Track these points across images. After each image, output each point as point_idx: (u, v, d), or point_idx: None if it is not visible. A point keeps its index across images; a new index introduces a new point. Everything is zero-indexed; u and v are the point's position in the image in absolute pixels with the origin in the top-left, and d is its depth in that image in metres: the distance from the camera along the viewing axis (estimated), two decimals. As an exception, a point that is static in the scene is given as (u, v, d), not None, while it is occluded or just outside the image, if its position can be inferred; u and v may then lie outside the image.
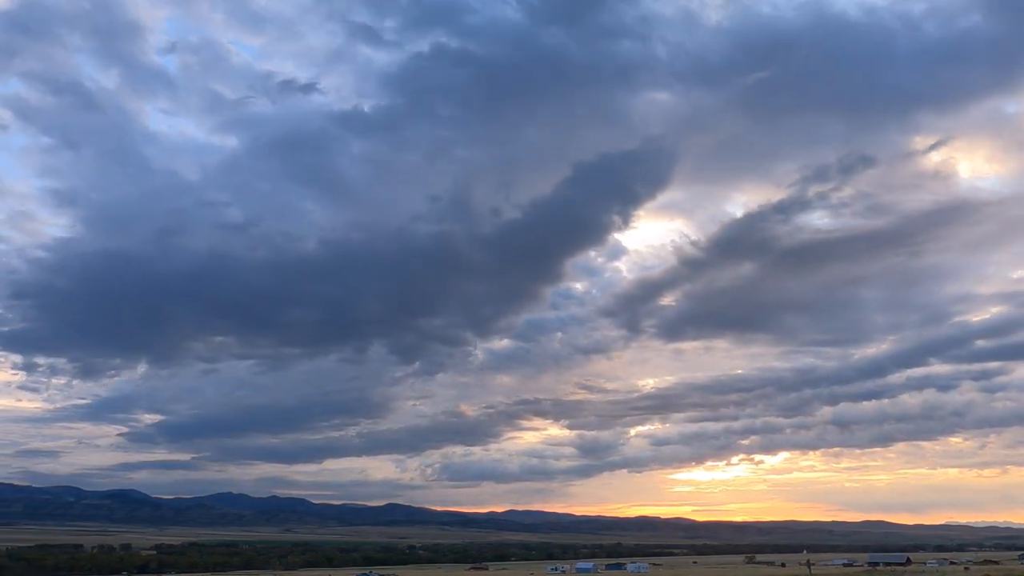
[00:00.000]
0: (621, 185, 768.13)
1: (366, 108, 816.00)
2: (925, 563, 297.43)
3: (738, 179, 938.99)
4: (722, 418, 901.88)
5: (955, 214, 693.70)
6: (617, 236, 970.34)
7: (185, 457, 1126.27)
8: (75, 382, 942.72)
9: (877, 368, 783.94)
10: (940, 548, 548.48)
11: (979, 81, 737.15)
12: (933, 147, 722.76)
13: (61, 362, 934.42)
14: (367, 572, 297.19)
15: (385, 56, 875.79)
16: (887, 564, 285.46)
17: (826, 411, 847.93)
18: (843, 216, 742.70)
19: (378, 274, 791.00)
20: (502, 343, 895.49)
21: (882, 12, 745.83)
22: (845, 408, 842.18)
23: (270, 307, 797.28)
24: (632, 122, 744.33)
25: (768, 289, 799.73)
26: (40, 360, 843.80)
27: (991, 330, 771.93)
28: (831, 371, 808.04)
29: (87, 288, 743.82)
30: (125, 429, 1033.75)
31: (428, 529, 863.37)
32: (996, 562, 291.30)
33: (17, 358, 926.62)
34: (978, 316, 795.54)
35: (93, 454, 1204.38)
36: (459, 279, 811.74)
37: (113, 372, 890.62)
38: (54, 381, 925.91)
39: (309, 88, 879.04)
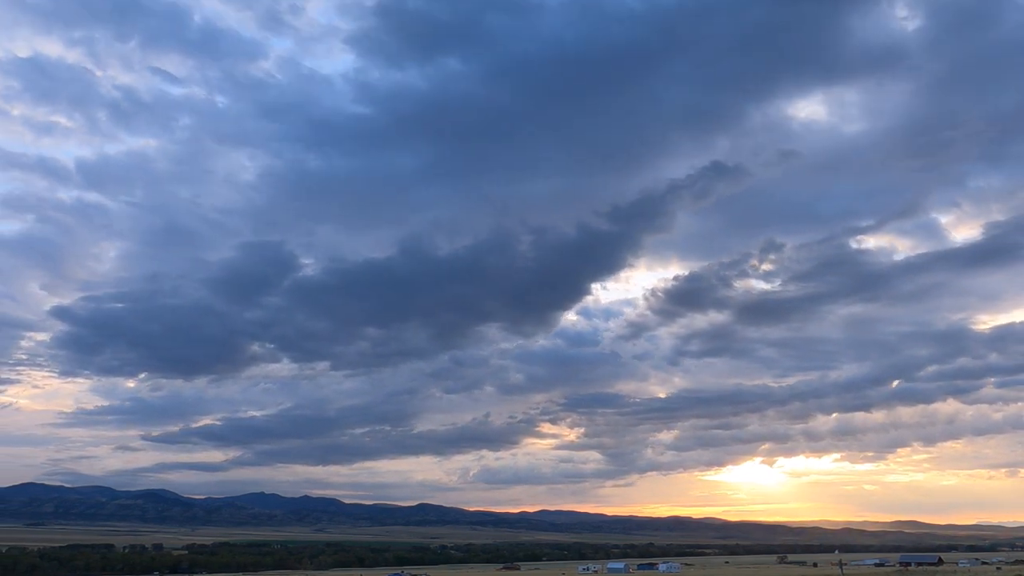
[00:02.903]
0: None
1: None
2: (957, 563, 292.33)
3: (686, 256, 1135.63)
4: (733, 425, 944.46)
5: (880, 280, 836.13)
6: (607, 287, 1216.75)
7: (221, 458, 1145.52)
8: (130, 394, 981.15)
9: (856, 385, 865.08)
10: (972, 548, 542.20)
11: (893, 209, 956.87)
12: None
13: (128, 381, 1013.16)
14: (399, 572, 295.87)
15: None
16: (919, 564, 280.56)
17: (830, 419, 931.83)
18: (774, 282, 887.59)
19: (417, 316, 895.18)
20: (525, 365, 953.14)
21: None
22: (849, 417, 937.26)
23: (321, 342, 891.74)
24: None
25: (742, 330, 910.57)
26: (111, 380, 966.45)
27: (938, 359, 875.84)
28: (818, 388, 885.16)
29: (172, 331, 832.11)
30: (160, 432, 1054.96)
31: (460, 529, 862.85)
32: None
33: (95, 380, 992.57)
34: (927, 350, 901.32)
35: (127, 456, 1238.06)
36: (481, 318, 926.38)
37: (170, 388, 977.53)
38: (112, 392, 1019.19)
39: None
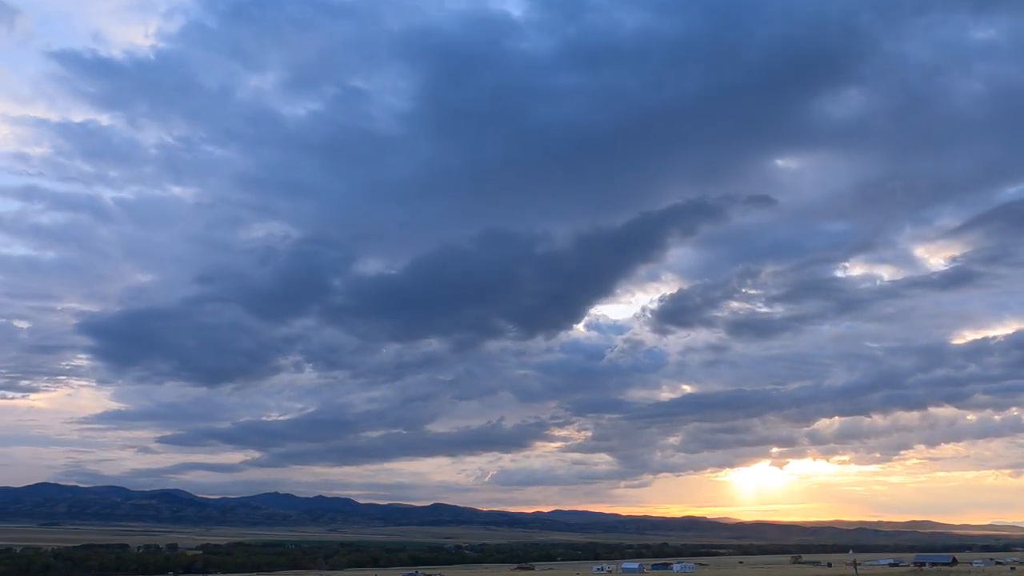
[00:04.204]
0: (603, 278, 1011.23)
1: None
2: (971, 563, 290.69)
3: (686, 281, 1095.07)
4: (739, 429, 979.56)
5: (860, 303, 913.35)
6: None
7: (240, 459, 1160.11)
8: (156, 399, 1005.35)
9: (852, 392, 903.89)
10: (986, 548, 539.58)
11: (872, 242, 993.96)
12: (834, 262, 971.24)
13: (156, 388, 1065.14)
14: (413, 572, 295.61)
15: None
16: (933, 564, 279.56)
17: (833, 423, 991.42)
18: (757, 303, 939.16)
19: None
20: (537, 374, 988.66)
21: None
22: (851, 421, 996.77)
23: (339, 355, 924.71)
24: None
25: (736, 345, 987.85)
26: (139, 387, 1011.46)
27: (921, 369, 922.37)
28: (816, 394, 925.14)
29: (203, 346, 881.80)
30: (181, 434, 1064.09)
31: (474, 529, 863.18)
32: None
33: (124, 387, 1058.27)
34: (908, 361, 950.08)
35: (147, 457, 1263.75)
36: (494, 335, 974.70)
37: (195, 395, 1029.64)
38: (138, 397, 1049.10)
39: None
